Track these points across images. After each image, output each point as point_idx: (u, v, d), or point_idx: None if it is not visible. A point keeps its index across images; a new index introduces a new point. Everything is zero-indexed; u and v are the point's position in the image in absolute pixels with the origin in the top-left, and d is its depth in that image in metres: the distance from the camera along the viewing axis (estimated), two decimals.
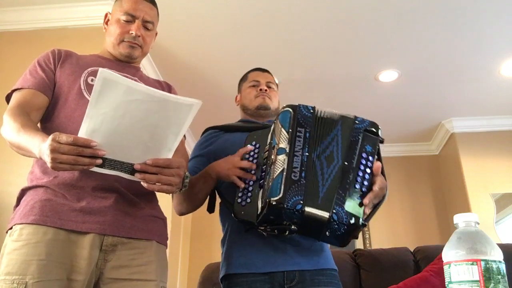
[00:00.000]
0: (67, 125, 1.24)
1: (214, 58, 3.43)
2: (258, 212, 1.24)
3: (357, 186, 1.24)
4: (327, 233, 1.22)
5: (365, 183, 1.25)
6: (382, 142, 1.35)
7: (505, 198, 4.08)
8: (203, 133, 1.69)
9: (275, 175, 1.22)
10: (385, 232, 4.51)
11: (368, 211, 1.24)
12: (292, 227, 1.23)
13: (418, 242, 3.28)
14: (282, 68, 3.52)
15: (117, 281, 1.17)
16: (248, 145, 1.41)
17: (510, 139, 4.30)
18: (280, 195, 1.18)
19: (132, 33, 1.38)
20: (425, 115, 4.32)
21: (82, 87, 1.31)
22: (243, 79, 1.81)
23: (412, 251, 2.58)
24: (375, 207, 1.29)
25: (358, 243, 4.37)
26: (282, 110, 1.36)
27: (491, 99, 4.02)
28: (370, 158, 1.29)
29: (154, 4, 1.47)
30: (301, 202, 1.18)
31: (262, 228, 1.27)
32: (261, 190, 1.27)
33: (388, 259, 2.48)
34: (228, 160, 1.40)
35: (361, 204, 1.22)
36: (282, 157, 1.24)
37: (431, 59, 3.46)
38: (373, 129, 1.34)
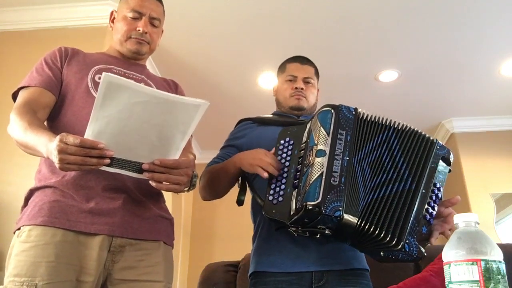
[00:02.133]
0: (74, 123, 1.24)
1: (214, 58, 3.43)
2: (292, 213, 1.20)
3: (428, 217, 1.20)
4: (381, 253, 1.18)
5: (433, 215, 1.21)
6: (450, 172, 1.31)
7: (505, 198, 4.08)
8: (237, 124, 1.66)
9: (313, 179, 1.17)
10: None
11: (433, 239, 1.21)
12: (326, 231, 1.19)
13: None
14: None
15: (125, 282, 1.17)
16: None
17: (510, 139, 4.30)
18: (319, 200, 1.13)
19: (139, 30, 1.38)
20: (425, 115, 4.32)
21: (90, 85, 1.30)
22: (281, 68, 1.74)
23: None
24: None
25: None
26: (323, 109, 1.30)
27: (491, 99, 4.02)
28: (441, 188, 1.25)
29: (160, 1, 1.47)
30: (340, 208, 1.13)
31: (294, 228, 1.23)
32: (295, 191, 1.23)
33: None
34: (253, 151, 1.36)
35: (427, 237, 1.18)
36: (321, 160, 1.19)
37: (431, 59, 3.46)
38: (450, 159, 1.30)
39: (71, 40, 2.76)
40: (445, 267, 0.79)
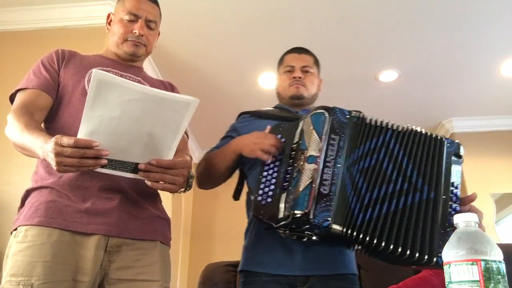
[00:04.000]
0: (71, 125, 1.24)
1: (214, 58, 3.43)
2: (280, 217, 1.17)
3: (451, 221, 1.11)
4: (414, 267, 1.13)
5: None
6: (462, 162, 1.23)
7: (505, 198, 4.08)
8: (238, 117, 1.67)
9: (303, 186, 1.14)
10: None
11: None
12: (313, 237, 1.17)
13: None
14: None
15: (122, 282, 1.18)
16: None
17: (510, 139, 4.30)
18: (307, 209, 1.10)
19: (135, 32, 1.38)
20: (425, 115, 4.31)
21: (86, 87, 1.31)
22: (280, 62, 1.73)
23: None
24: None
25: None
26: (316, 111, 1.26)
27: (491, 99, 4.02)
28: (459, 186, 1.18)
29: (157, 3, 1.47)
30: (329, 219, 1.10)
31: (281, 231, 1.21)
32: (284, 193, 1.19)
33: None
34: (254, 134, 1.33)
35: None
36: (312, 167, 1.15)
37: (431, 59, 3.46)
38: (461, 153, 1.22)
39: (71, 40, 2.77)
40: (445, 267, 0.79)
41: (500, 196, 4.10)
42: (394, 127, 1.24)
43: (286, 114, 1.56)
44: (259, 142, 1.28)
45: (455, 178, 1.19)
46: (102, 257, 1.16)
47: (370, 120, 1.25)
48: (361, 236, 1.12)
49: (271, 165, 1.28)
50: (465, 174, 4.20)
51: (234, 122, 1.66)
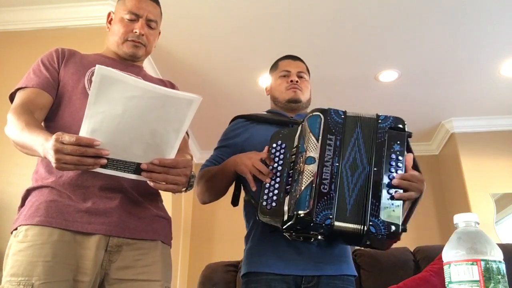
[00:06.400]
0: (71, 124, 1.23)
1: (214, 58, 3.43)
2: (284, 220, 1.22)
3: (391, 190, 1.19)
4: (367, 242, 1.19)
5: (398, 186, 1.20)
6: (410, 136, 1.29)
7: (505, 198, 4.08)
8: (231, 121, 1.67)
9: (304, 186, 1.19)
10: None
11: (405, 208, 1.20)
12: (319, 237, 1.21)
13: (418, 242, 3.27)
14: None
15: (122, 282, 1.17)
16: (269, 149, 1.37)
17: (510, 139, 4.30)
18: (309, 209, 1.15)
19: (136, 32, 1.38)
20: (425, 115, 4.32)
21: (86, 86, 1.30)
22: (274, 67, 1.76)
23: (412, 251, 2.58)
24: (413, 205, 1.25)
25: None
26: (311, 114, 1.31)
27: (491, 99, 4.02)
28: (400, 157, 1.24)
29: (157, 3, 1.47)
30: (331, 216, 1.15)
31: (288, 233, 1.25)
32: (288, 197, 1.24)
33: (388, 259, 2.47)
34: (248, 155, 1.38)
35: (397, 208, 1.17)
36: (311, 167, 1.21)
37: (431, 59, 3.46)
38: (399, 125, 1.28)
39: (71, 40, 2.77)
40: (445, 267, 0.79)
41: (500, 196, 4.10)
42: (358, 121, 1.30)
43: (281, 118, 1.57)
44: (250, 165, 1.33)
45: (393, 150, 1.24)
46: (102, 257, 1.16)
47: (351, 117, 1.30)
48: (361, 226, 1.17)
49: (274, 171, 1.32)
50: (465, 174, 4.21)
51: (227, 128, 1.66)
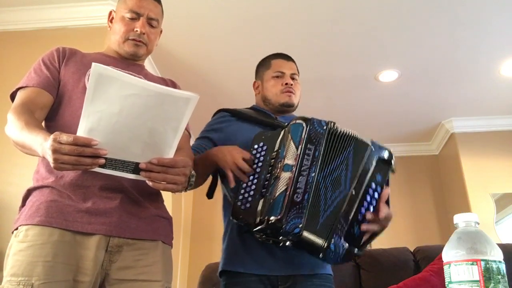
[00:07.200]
0: (72, 123, 1.22)
1: (214, 58, 3.43)
2: (256, 222, 1.24)
3: (359, 217, 1.24)
4: (320, 255, 1.22)
5: (367, 216, 1.25)
6: (393, 172, 1.34)
7: (505, 198, 4.08)
8: (215, 114, 1.65)
9: (278, 193, 1.20)
10: (385, 232, 4.49)
11: (365, 238, 1.26)
12: (287, 243, 1.23)
13: (418, 242, 3.28)
14: None
15: (123, 282, 1.17)
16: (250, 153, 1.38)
17: (510, 139, 4.30)
18: (280, 215, 1.17)
19: (137, 30, 1.38)
20: (425, 115, 4.32)
21: (87, 85, 1.30)
22: (264, 65, 1.70)
23: (412, 251, 2.58)
24: (374, 235, 1.29)
25: None
26: (295, 122, 1.32)
27: (491, 99, 4.02)
28: (379, 189, 1.28)
29: (159, 1, 1.46)
30: (300, 225, 1.18)
31: (258, 235, 1.27)
32: (262, 200, 1.25)
33: (388, 259, 2.48)
34: (231, 151, 1.37)
35: (361, 235, 1.23)
36: (287, 175, 1.22)
37: (431, 59, 3.46)
38: (389, 159, 1.33)
39: (71, 40, 2.77)
40: (445, 267, 0.79)
41: (500, 196, 4.10)
42: (354, 142, 1.32)
43: (266, 119, 1.56)
44: (231, 162, 1.34)
45: (375, 181, 1.29)
46: (103, 257, 1.16)
47: (345, 131, 1.31)
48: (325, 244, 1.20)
49: (252, 172, 1.33)
50: (465, 174, 4.21)
51: (211, 119, 1.64)
